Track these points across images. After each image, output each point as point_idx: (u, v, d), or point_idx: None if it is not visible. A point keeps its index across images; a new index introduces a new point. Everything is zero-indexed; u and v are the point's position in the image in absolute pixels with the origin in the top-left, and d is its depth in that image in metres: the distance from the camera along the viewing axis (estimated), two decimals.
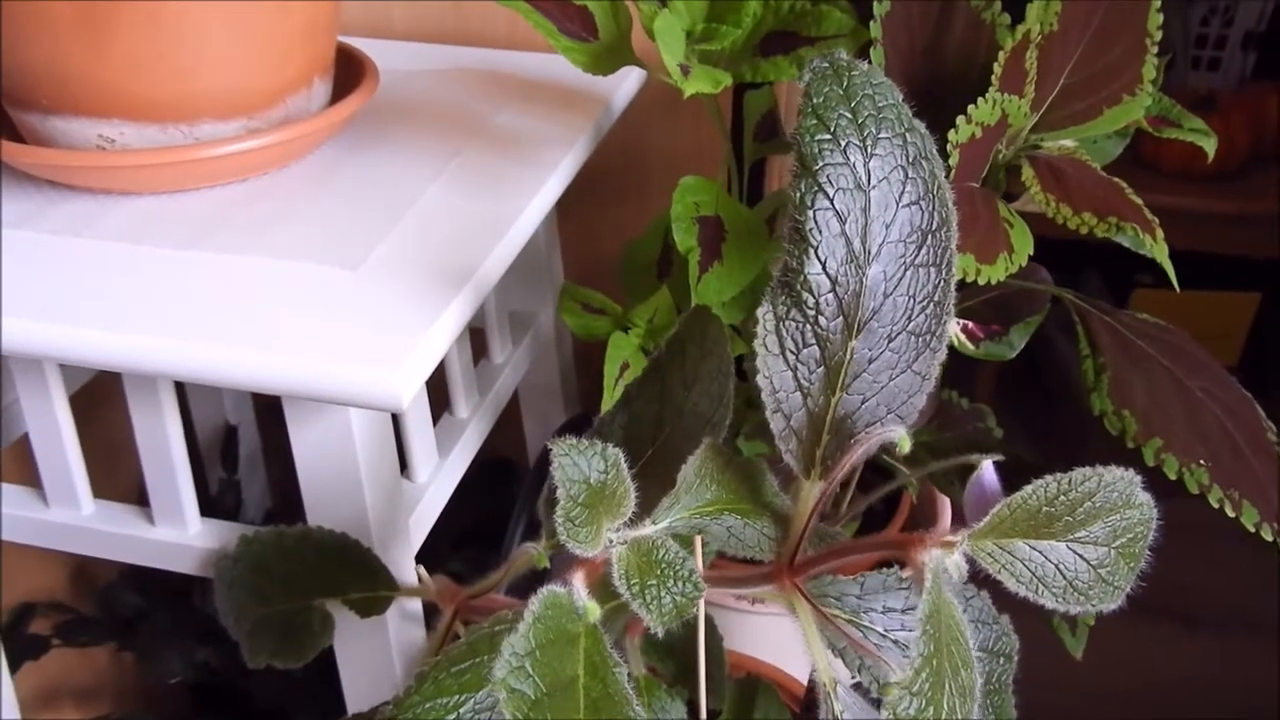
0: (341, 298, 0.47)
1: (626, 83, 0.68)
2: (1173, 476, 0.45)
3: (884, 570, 0.46)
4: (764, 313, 0.35)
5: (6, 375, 0.65)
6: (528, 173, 0.58)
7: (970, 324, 0.67)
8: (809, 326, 0.35)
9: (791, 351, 0.35)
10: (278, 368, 0.43)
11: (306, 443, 0.51)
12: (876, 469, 0.76)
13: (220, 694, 0.85)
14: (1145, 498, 0.34)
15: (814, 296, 0.35)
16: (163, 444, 0.56)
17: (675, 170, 0.71)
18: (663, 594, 0.31)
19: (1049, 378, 1.44)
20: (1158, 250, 0.46)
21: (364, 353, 0.43)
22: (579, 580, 0.30)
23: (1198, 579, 1.39)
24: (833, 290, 0.35)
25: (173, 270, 0.49)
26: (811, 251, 0.34)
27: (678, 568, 0.32)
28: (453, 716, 0.38)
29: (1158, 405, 0.46)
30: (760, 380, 0.35)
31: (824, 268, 0.34)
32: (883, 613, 0.45)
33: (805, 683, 0.59)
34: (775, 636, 0.66)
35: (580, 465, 0.31)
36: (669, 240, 0.60)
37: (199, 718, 0.84)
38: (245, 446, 0.93)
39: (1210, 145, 0.55)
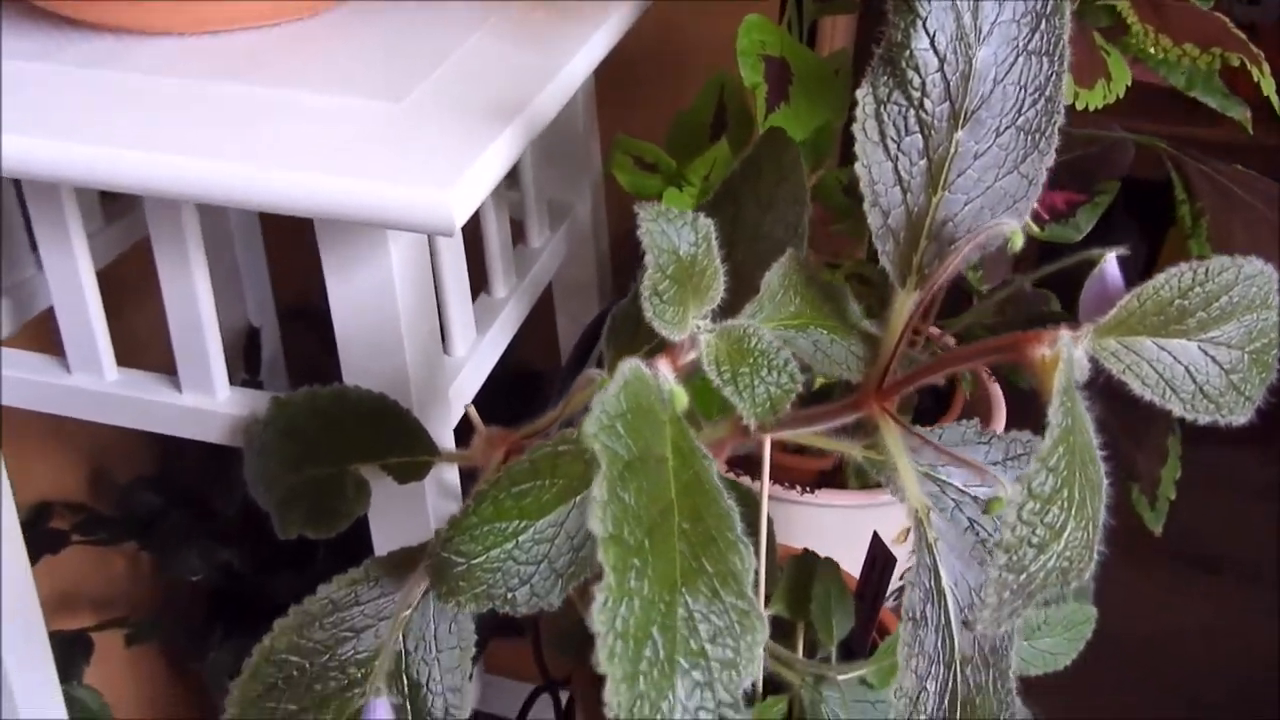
0: (388, 126, 0.44)
1: None
2: None
3: (962, 423, 0.44)
4: (864, 95, 0.32)
5: (18, 250, 0.62)
6: (573, 28, 0.54)
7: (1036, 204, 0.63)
8: (912, 111, 0.32)
9: (893, 140, 0.32)
10: (327, 188, 0.40)
11: (345, 295, 0.49)
12: (936, 393, 0.74)
13: (240, 600, 0.83)
14: None
15: (920, 76, 0.31)
16: (191, 305, 0.53)
17: (718, 61, 0.67)
18: (756, 383, 0.29)
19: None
20: (1265, 83, 0.42)
21: (416, 174, 0.40)
22: (664, 366, 0.28)
23: (1220, 529, 1.36)
24: (940, 70, 0.32)
25: (207, 98, 0.46)
26: (920, 23, 0.31)
27: (772, 357, 0.29)
28: (510, 544, 0.35)
29: (1259, 249, 0.42)
30: (859, 169, 0.32)
31: (932, 42, 0.31)
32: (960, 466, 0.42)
33: (858, 575, 0.56)
34: (827, 528, 0.64)
35: (670, 234, 0.28)
36: (723, 101, 0.57)
37: (217, 623, 0.81)
38: (267, 350, 0.90)
39: (1245, 119, 0.50)
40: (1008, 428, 0.72)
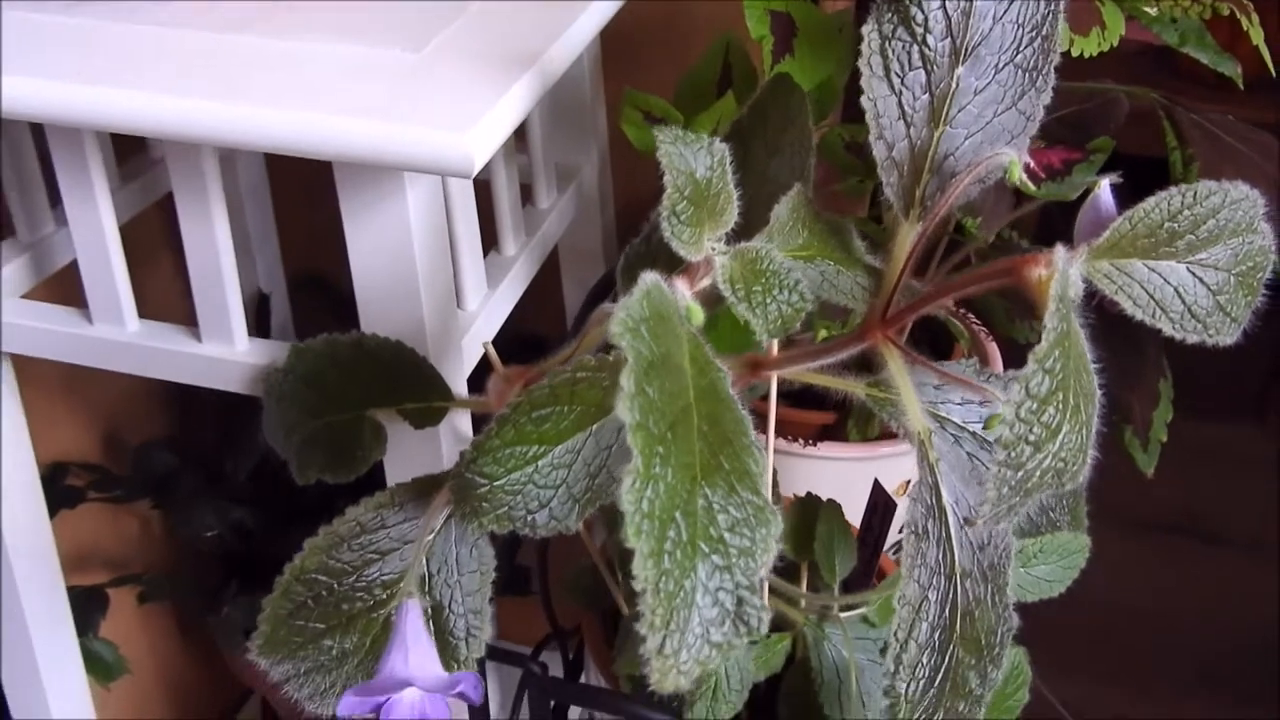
0: (408, 74, 0.45)
1: None
2: None
3: (962, 361, 0.45)
4: (869, 30, 0.33)
5: (37, 207, 0.64)
6: None
7: (1030, 161, 0.65)
8: (915, 47, 0.33)
9: (897, 74, 0.34)
10: (351, 131, 0.41)
11: (363, 243, 0.50)
12: (935, 351, 0.75)
13: (253, 558, 0.85)
14: (1267, 227, 0.32)
15: (922, 13, 0.33)
16: (212, 254, 0.55)
17: (723, 26, 0.69)
18: (769, 301, 0.30)
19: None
20: (1254, 33, 0.44)
21: (436, 118, 0.42)
22: (681, 285, 0.29)
23: (1216, 502, 1.38)
24: (942, 7, 0.33)
25: (232, 50, 0.47)
26: None
27: (783, 277, 0.30)
28: (530, 469, 0.37)
29: None
30: (864, 103, 0.34)
31: None
32: (960, 404, 0.44)
33: (858, 526, 0.58)
34: (828, 481, 0.65)
35: (687, 157, 0.30)
36: (729, 60, 0.58)
37: (231, 580, 0.83)
38: (277, 317, 0.91)
39: (1236, 74, 0.52)
40: None
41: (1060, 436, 0.27)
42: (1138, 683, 1.18)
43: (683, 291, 0.29)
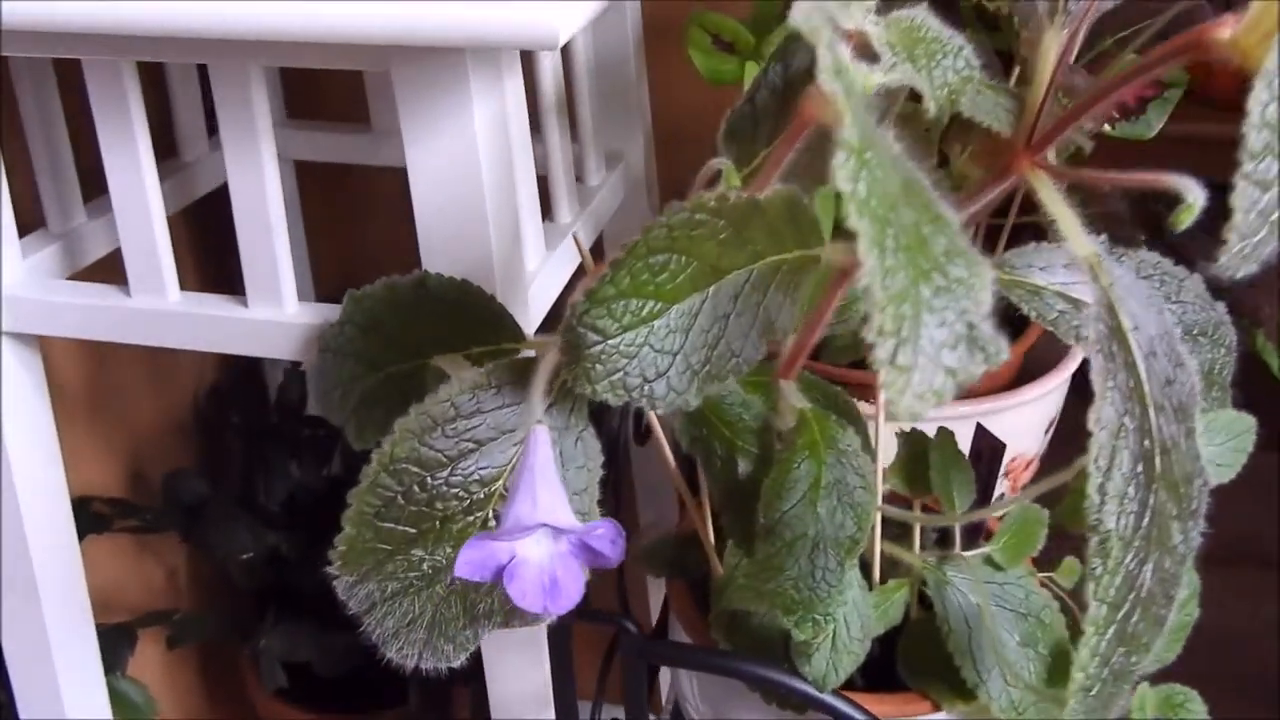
0: None
1: None
2: None
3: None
4: None
5: (69, 198, 0.61)
6: None
7: None
8: None
9: None
10: (423, 12, 0.38)
11: (426, 168, 0.47)
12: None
13: (290, 587, 0.79)
14: None
15: None
16: (261, 209, 0.51)
17: None
18: (933, 65, 0.27)
19: None
20: None
21: None
22: (842, 48, 0.26)
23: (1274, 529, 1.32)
24: None
25: None
26: None
27: (945, 42, 0.27)
28: (645, 330, 0.33)
29: None
30: None
31: None
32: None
33: None
34: None
35: None
36: None
37: (268, 608, 0.78)
38: None
39: None
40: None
41: None
42: (1215, 707, 1.10)
43: (845, 53, 0.25)
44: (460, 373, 0.49)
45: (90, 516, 0.72)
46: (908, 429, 0.50)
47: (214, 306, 0.54)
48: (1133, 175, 0.30)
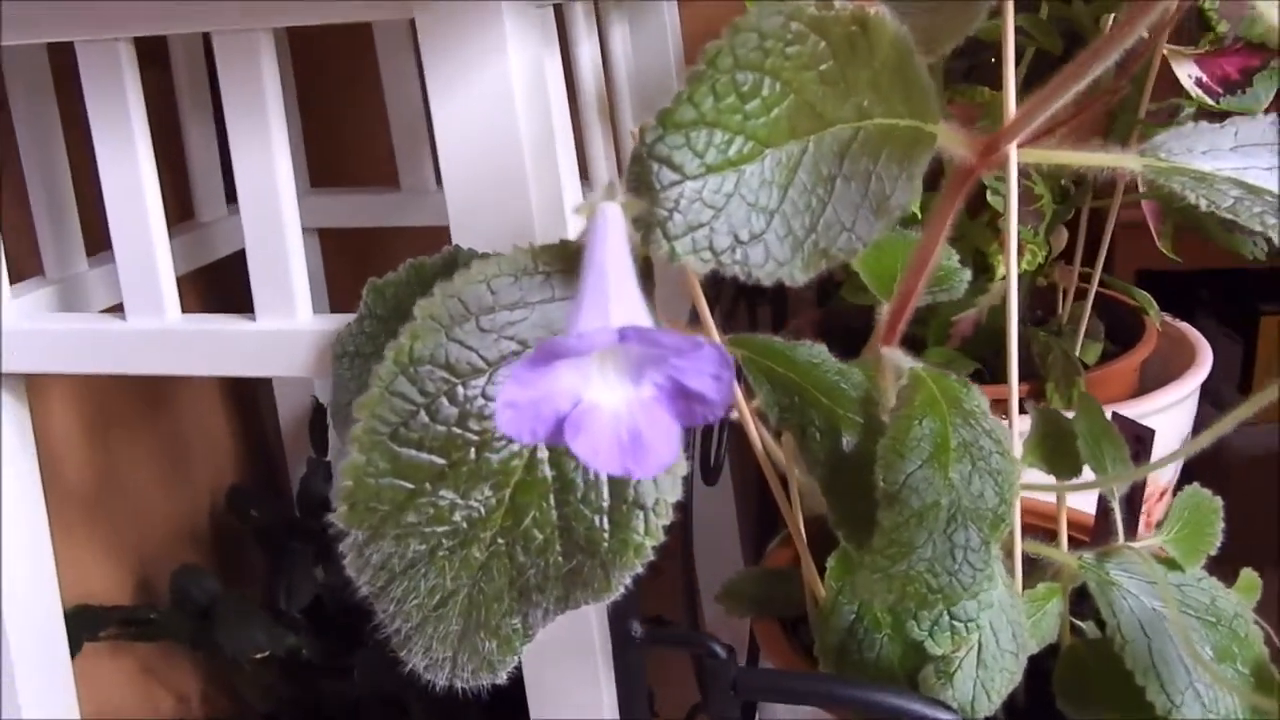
0: None
1: None
2: None
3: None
4: None
5: (71, 249, 0.56)
6: None
7: (1202, 74, 0.56)
8: None
9: None
10: None
11: (454, 128, 0.41)
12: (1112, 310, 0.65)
13: (310, 701, 0.69)
14: None
15: None
16: (273, 204, 0.45)
17: None
18: None
19: None
20: None
21: None
22: None
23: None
24: None
25: None
26: None
27: None
28: (734, 175, 0.26)
29: None
30: None
31: None
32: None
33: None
34: None
35: None
36: None
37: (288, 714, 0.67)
38: None
39: None
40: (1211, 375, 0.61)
41: None
42: None
43: None
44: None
45: (88, 618, 0.64)
46: (1040, 406, 0.41)
47: (218, 323, 0.47)
48: None
